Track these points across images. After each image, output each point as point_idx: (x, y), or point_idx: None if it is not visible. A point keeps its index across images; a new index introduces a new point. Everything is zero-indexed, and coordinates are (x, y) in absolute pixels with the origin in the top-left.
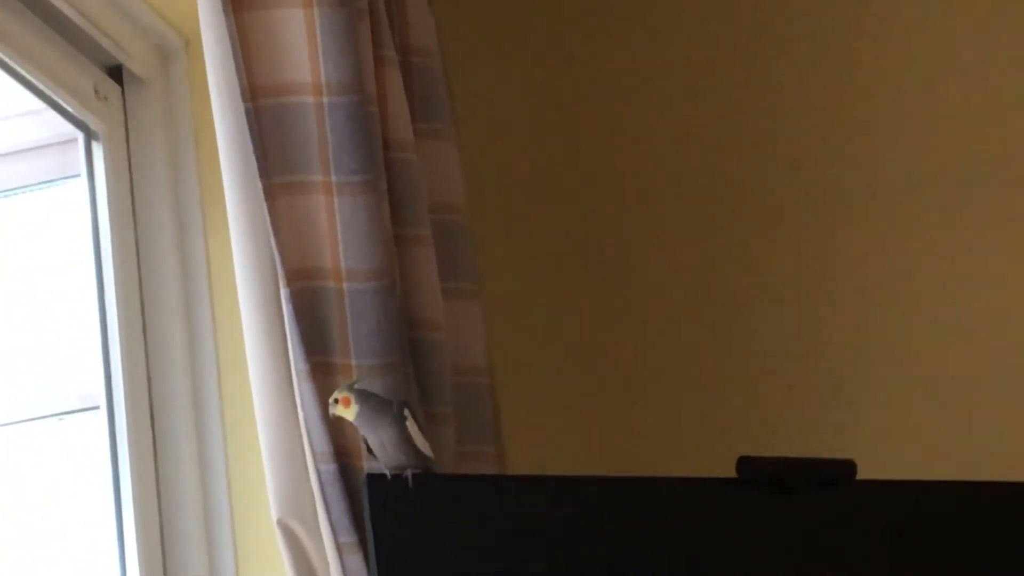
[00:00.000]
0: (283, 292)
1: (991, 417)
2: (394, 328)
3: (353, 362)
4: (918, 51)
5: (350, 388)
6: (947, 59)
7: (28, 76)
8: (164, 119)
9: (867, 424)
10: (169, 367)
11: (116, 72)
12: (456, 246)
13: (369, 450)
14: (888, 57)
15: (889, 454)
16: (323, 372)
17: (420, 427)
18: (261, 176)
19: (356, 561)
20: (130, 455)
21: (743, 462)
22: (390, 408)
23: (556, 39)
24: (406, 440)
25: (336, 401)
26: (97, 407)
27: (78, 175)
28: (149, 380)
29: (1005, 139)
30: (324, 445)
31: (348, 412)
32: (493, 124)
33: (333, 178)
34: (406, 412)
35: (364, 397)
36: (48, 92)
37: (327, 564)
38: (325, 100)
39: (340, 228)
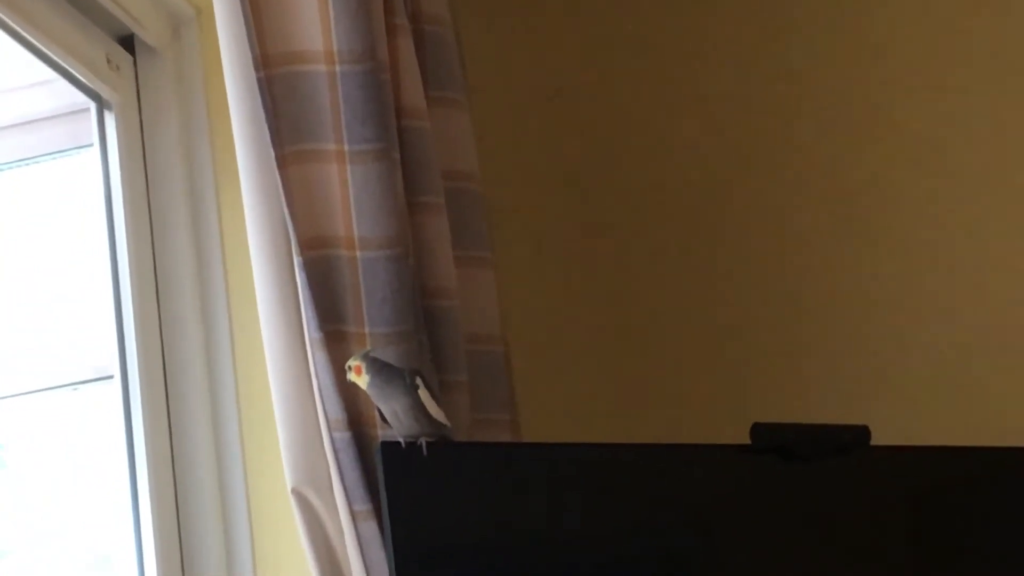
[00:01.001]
0: (296, 261)
1: (1004, 382)
2: (407, 296)
3: (367, 330)
4: (927, 41)
5: (363, 356)
6: (957, 53)
7: (40, 46)
8: (176, 89)
9: (881, 390)
10: (183, 336)
11: (128, 42)
12: (469, 214)
13: (383, 419)
14: (896, 51)
15: (903, 420)
16: (337, 340)
17: (433, 395)
18: (274, 145)
19: (370, 529)
20: (144, 425)
21: (757, 429)
22: (402, 377)
23: (570, 7)
24: (419, 408)
25: (350, 368)
26: (111, 377)
27: (91, 145)
28: (163, 350)
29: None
30: (338, 413)
31: (360, 380)
32: (506, 91)
33: (346, 146)
34: (418, 380)
35: (376, 367)
36: (60, 62)
37: (341, 532)
38: (337, 68)
39: (353, 196)
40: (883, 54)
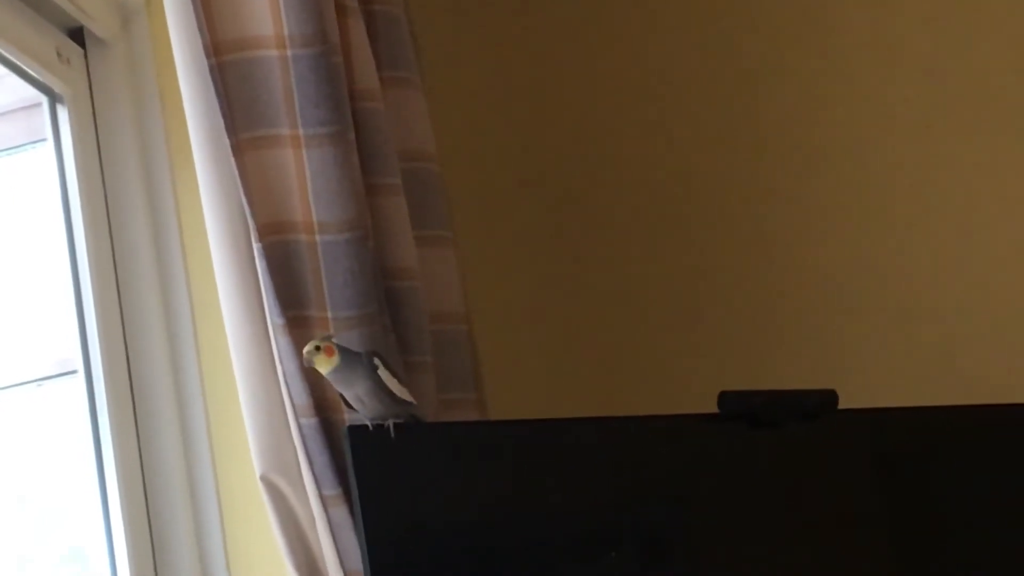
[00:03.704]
0: (255, 247)
1: (968, 342)
2: (369, 278)
3: (329, 314)
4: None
5: (326, 339)
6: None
7: None
8: (128, 80)
9: (847, 354)
10: (145, 328)
11: (78, 34)
12: (428, 193)
13: (348, 404)
14: (856, 33)
15: (870, 383)
16: (300, 326)
17: (395, 374)
18: (228, 132)
19: (341, 513)
20: (110, 418)
21: (724, 397)
22: (360, 360)
23: None
24: (381, 389)
25: (319, 350)
26: (75, 371)
27: (44, 140)
28: (126, 342)
29: (980, 72)
30: (304, 399)
31: (330, 362)
32: (462, 69)
33: (301, 131)
34: (376, 361)
35: (339, 351)
36: (10, 57)
37: (312, 517)
38: (289, 53)
39: (310, 181)
40: (844, 38)
